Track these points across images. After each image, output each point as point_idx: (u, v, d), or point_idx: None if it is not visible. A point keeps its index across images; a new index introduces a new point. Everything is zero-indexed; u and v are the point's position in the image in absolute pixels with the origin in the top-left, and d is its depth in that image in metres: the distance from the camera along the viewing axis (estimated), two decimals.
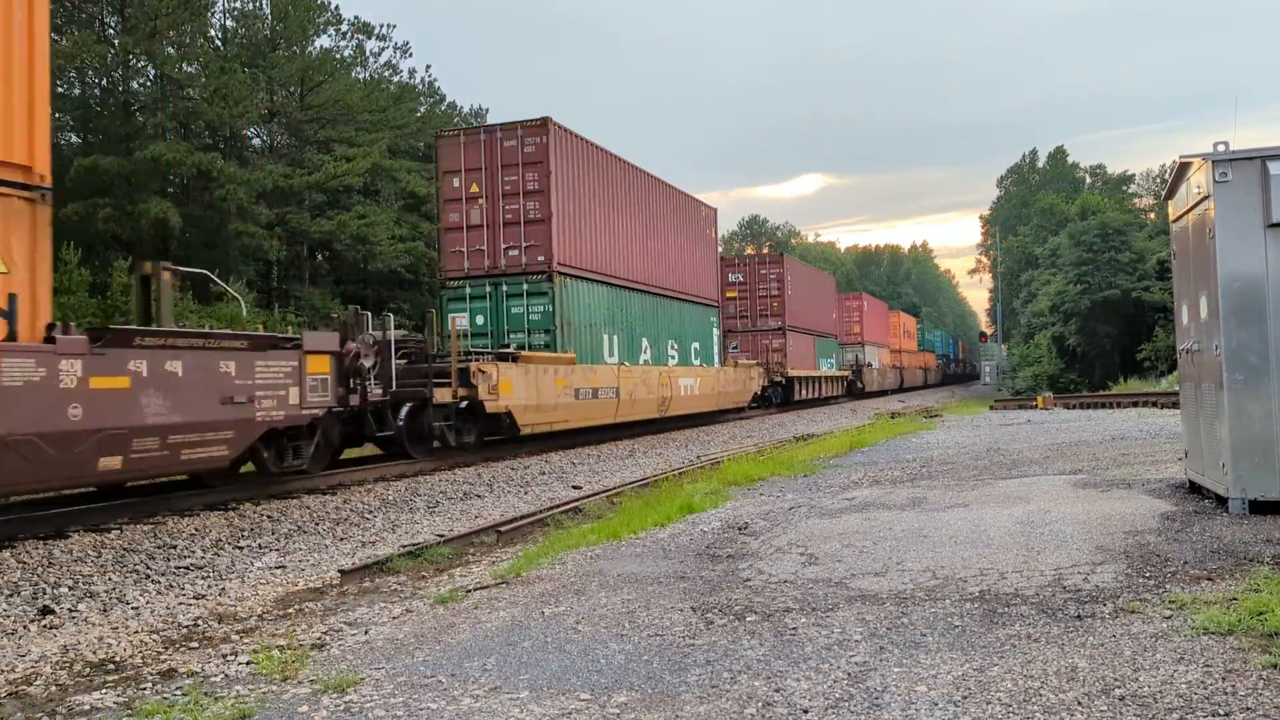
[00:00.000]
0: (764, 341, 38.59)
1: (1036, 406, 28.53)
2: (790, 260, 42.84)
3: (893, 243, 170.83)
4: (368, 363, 13.18)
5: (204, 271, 14.50)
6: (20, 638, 6.17)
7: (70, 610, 6.91)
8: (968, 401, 44.81)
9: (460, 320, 19.15)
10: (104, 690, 4.73)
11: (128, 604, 7.10)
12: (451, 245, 20.21)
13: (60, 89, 30.41)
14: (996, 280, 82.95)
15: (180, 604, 7.07)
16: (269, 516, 10.96)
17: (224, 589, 7.57)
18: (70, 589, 7.53)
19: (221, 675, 4.74)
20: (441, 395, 15.77)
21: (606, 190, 22.47)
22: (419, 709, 3.95)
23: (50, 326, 8.45)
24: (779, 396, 38.24)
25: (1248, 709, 3.45)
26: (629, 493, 11.78)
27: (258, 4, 36.65)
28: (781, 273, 39.73)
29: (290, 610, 6.61)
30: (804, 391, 40.99)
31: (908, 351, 70.64)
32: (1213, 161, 7.04)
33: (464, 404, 16.33)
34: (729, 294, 38.23)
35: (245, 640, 5.69)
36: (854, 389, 52.12)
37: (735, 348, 36.85)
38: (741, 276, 39.81)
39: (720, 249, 37.93)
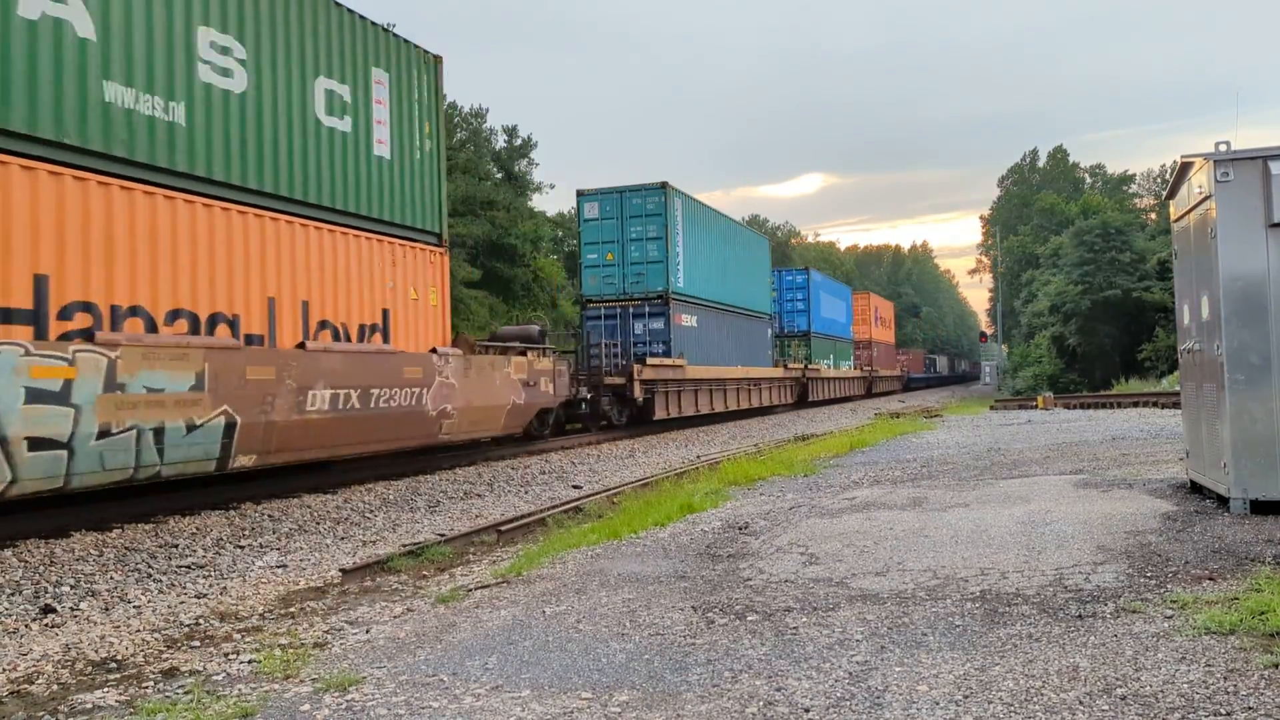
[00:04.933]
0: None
1: (1037, 406, 28.53)
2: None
3: (893, 243, 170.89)
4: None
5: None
6: (22, 636, 6.17)
7: (72, 609, 6.92)
8: (968, 401, 44.83)
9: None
10: (106, 689, 4.73)
11: (129, 603, 7.10)
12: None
13: None
14: (997, 280, 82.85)
15: (182, 603, 7.08)
16: (270, 515, 10.97)
17: (225, 588, 7.58)
18: (72, 588, 7.53)
19: (223, 674, 4.74)
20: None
21: None
22: (421, 708, 3.95)
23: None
24: None
25: (1249, 709, 3.46)
26: (629, 492, 11.79)
27: None
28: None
29: (292, 609, 6.61)
30: None
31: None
32: (1214, 161, 7.04)
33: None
34: None
35: (247, 639, 5.69)
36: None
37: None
38: None
39: None
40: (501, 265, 47.61)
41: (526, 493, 13.41)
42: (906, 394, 64.20)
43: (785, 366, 37.05)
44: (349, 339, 12.90)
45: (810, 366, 41.12)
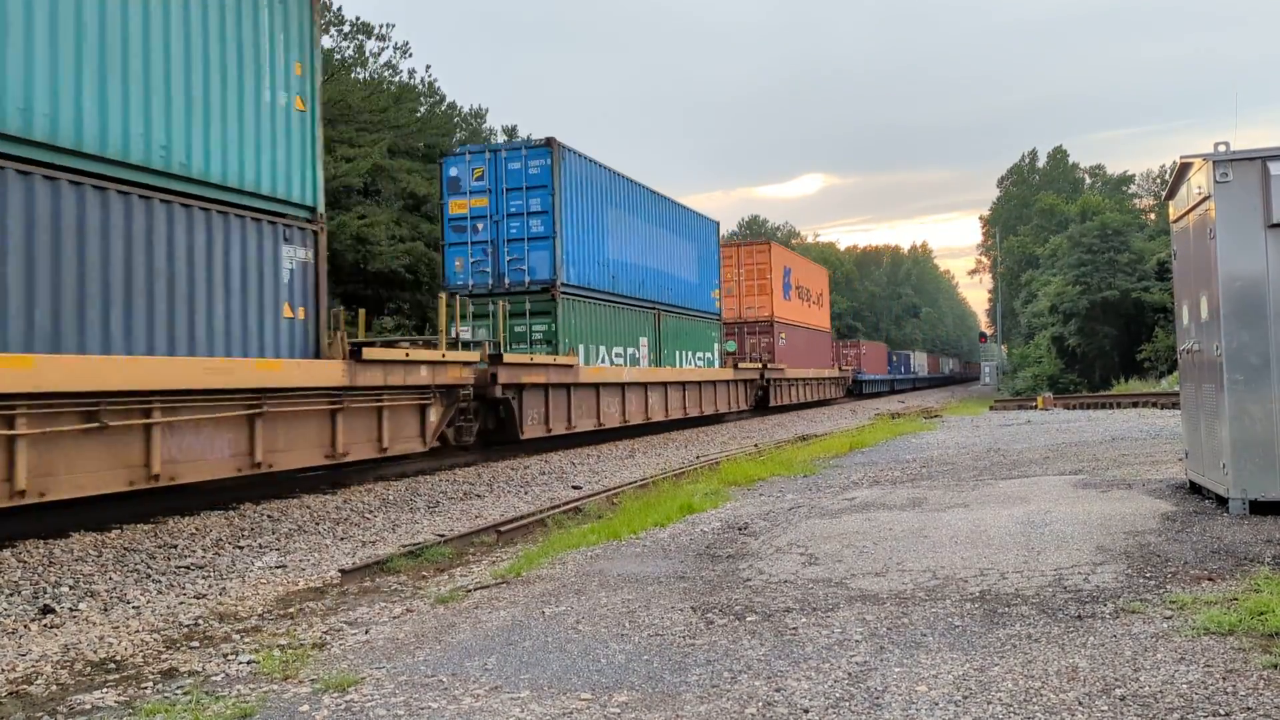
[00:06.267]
0: None
1: (1036, 407, 28.53)
2: None
3: (893, 243, 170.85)
4: None
5: None
6: (21, 637, 6.17)
7: (71, 609, 6.91)
8: (967, 402, 44.83)
9: None
10: (105, 689, 4.73)
11: (128, 603, 7.10)
12: None
13: None
14: (996, 281, 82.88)
15: (181, 603, 7.07)
16: (269, 516, 10.97)
17: (224, 588, 7.57)
18: (71, 588, 7.53)
19: (222, 674, 4.74)
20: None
21: None
22: (420, 708, 3.95)
23: None
24: None
25: (1248, 709, 3.46)
26: (629, 493, 11.77)
27: None
28: None
29: (291, 610, 6.61)
30: None
31: None
32: (1213, 162, 7.04)
33: None
34: None
35: (246, 639, 5.69)
36: None
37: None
38: None
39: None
40: None
41: (526, 493, 13.41)
42: (834, 408, 42.19)
43: (347, 359, 12.56)
44: None
45: (509, 362, 17.33)
